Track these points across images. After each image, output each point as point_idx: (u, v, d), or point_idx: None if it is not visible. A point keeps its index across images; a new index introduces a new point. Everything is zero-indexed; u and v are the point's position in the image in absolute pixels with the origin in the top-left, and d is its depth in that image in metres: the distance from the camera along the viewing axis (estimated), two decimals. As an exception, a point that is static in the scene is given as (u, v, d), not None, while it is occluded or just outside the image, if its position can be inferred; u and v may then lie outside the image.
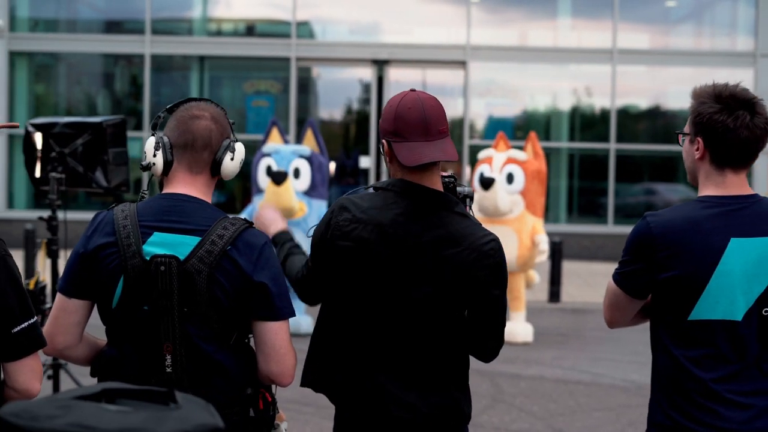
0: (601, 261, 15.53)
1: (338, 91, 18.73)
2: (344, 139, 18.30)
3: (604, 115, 16.99)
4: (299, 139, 9.82)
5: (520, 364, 8.13)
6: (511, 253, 9.10)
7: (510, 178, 9.20)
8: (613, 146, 16.66)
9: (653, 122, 17.86)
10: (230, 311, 2.54)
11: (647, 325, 2.81)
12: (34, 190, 6.97)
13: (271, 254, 2.60)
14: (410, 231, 2.59)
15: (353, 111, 18.55)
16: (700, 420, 2.58)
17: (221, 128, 2.66)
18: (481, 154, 9.58)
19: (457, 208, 2.66)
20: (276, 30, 17.60)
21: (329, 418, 2.90)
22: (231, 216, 2.60)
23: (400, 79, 17.69)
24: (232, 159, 2.64)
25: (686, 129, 2.72)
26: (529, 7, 17.91)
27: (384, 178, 9.16)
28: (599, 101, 17.21)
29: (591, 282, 13.66)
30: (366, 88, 17.39)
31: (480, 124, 17.29)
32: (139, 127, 16.90)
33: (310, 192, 9.26)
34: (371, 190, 2.70)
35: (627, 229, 2.95)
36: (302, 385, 2.76)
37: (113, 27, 17.69)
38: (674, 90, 17.64)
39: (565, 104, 17.48)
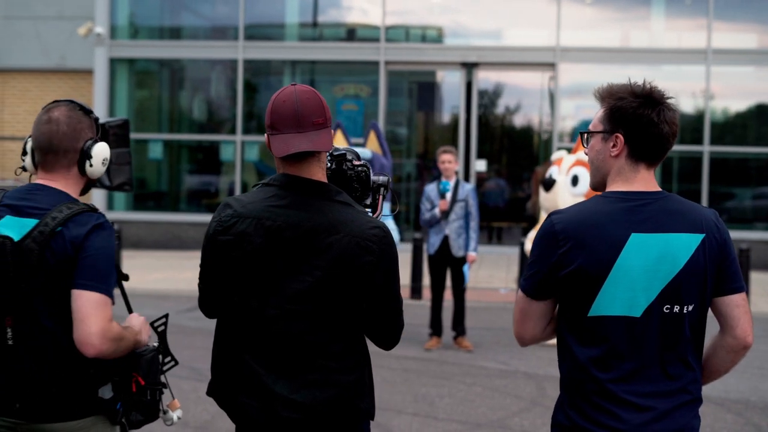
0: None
1: (430, 95, 18.80)
2: (435, 143, 18.30)
3: (699, 116, 16.51)
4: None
5: (573, 369, 8.00)
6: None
7: (575, 180, 9.10)
8: (707, 149, 16.18)
9: (754, 123, 17.25)
10: (60, 288, 2.72)
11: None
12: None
13: (99, 236, 2.74)
14: (288, 222, 2.58)
15: (444, 113, 18.58)
16: (596, 421, 2.54)
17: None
18: (554, 156, 9.55)
19: (339, 197, 2.64)
20: (366, 34, 17.78)
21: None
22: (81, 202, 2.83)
23: (490, 82, 17.64)
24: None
25: (595, 128, 2.68)
26: (620, 8, 17.56)
27: (461, 178, 9.19)
28: (693, 103, 16.72)
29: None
30: (455, 91, 17.38)
31: (569, 126, 17.03)
32: (233, 131, 17.33)
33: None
34: (260, 186, 2.72)
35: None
36: (207, 393, 2.78)
37: (209, 33, 18.21)
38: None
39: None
